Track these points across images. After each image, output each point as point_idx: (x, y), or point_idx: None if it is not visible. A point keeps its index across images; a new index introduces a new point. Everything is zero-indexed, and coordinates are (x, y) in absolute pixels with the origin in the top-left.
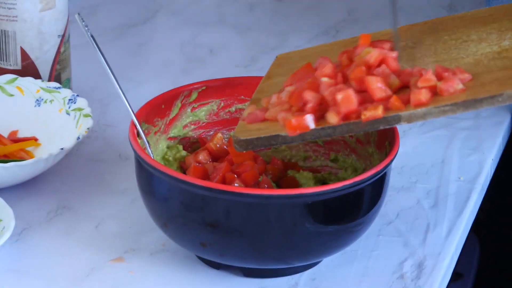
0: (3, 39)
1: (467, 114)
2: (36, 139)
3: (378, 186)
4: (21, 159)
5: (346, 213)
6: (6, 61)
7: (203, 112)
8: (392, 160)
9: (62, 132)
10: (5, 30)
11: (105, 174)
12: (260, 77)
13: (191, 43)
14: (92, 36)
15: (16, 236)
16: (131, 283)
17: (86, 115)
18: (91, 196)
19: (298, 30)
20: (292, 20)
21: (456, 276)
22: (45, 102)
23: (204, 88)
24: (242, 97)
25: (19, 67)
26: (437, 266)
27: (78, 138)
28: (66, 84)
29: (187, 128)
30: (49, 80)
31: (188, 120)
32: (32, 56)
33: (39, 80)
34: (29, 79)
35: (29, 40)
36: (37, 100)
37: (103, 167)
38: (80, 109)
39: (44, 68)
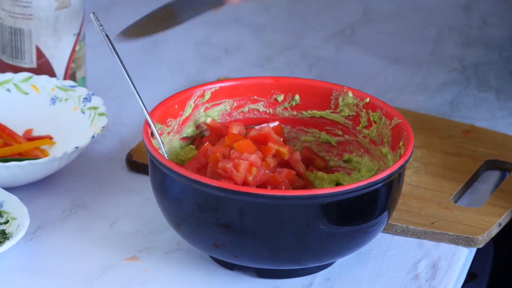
0: (19, 37)
1: (483, 115)
2: (50, 138)
3: (392, 187)
4: (36, 157)
5: (360, 214)
6: (22, 59)
7: (216, 113)
8: (406, 161)
9: (77, 130)
10: (20, 28)
11: (119, 173)
12: (273, 77)
13: (206, 43)
14: (107, 35)
15: (31, 234)
16: (145, 282)
17: (101, 114)
18: (106, 195)
19: (313, 30)
20: (308, 20)
21: (471, 276)
22: (60, 100)
23: (217, 88)
24: (255, 97)
25: (34, 65)
26: (451, 267)
27: (93, 136)
28: (81, 82)
29: (200, 128)
30: (64, 79)
31: (201, 120)
32: (47, 55)
33: (54, 79)
34: (44, 77)
35: (44, 39)
36: (52, 98)
37: (117, 165)
38: (95, 108)
39: (59, 66)
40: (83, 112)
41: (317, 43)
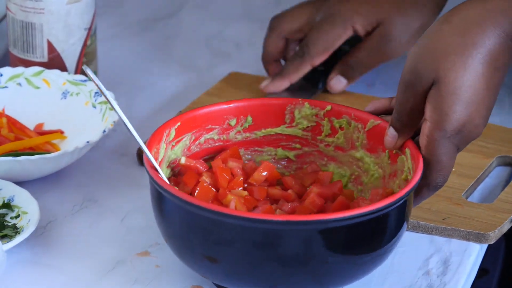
0: (30, 31)
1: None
2: (62, 132)
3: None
4: (47, 151)
5: (368, 240)
6: (33, 54)
7: (179, 149)
8: (413, 187)
9: (88, 125)
10: (32, 23)
11: (130, 167)
12: (225, 102)
13: (217, 37)
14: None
15: (42, 229)
16: (156, 277)
17: (112, 108)
18: (117, 189)
19: None
20: None
21: (482, 272)
22: (71, 95)
23: (179, 124)
24: (210, 126)
25: (45, 59)
26: (462, 263)
27: (104, 131)
28: None
29: (170, 168)
30: (75, 73)
31: (171, 158)
32: (59, 49)
33: (65, 73)
34: (56, 71)
35: (55, 33)
36: (63, 92)
37: (128, 160)
38: (106, 102)
39: (70, 60)
40: (94, 107)
41: None
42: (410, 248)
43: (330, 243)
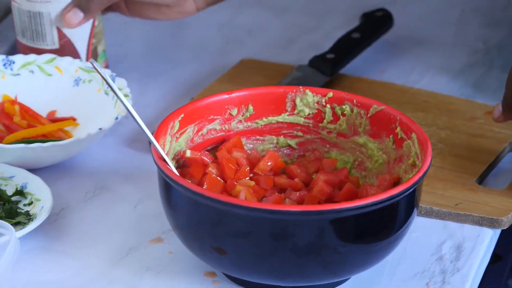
0: (39, 21)
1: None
2: (74, 119)
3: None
4: (60, 139)
5: (378, 229)
6: (43, 42)
7: (183, 141)
8: (424, 174)
9: (100, 112)
10: (40, 12)
11: (143, 154)
12: (226, 92)
13: (229, 24)
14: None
15: (55, 216)
16: (169, 263)
17: (124, 95)
18: (129, 176)
19: (336, 11)
20: (331, 1)
21: (495, 258)
22: (84, 82)
23: (182, 116)
24: (212, 116)
25: (56, 46)
26: (476, 248)
27: (117, 118)
28: (103, 55)
29: (175, 160)
30: (87, 55)
31: (176, 150)
32: (68, 34)
33: (77, 60)
34: (68, 59)
35: None
36: (76, 80)
37: (140, 147)
38: (118, 89)
39: (81, 44)
40: (106, 94)
41: (339, 24)
42: (423, 234)
43: (342, 231)
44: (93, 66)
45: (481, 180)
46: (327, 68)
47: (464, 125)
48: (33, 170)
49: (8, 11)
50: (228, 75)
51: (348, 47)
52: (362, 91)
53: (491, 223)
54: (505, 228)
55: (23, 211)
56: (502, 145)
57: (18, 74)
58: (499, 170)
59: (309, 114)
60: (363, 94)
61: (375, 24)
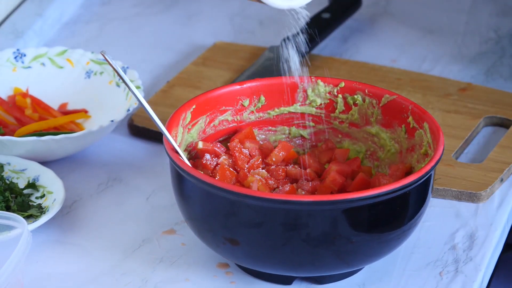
0: None
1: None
2: (86, 111)
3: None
4: (71, 131)
5: (390, 218)
6: None
7: (195, 132)
8: (437, 163)
9: (112, 104)
10: None
11: (155, 146)
12: (238, 83)
13: (241, 15)
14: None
15: (67, 208)
16: (182, 255)
17: (136, 87)
18: (141, 168)
19: None
20: None
21: (508, 247)
22: (95, 74)
23: (194, 107)
24: (224, 107)
25: None
26: (488, 237)
27: (128, 110)
28: None
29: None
30: None
31: (188, 142)
32: None
33: (88, 52)
34: (79, 51)
35: None
36: (87, 72)
37: (153, 138)
38: (130, 81)
39: None
40: (118, 86)
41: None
42: (436, 223)
43: (355, 221)
44: (104, 57)
45: (458, 155)
46: (301, 47)
47: (439, 101)
48: (45, 163)
49: None
50: (202, 58)
51: (319, 27)
52: (336, 71)
53: (470, 197)
54: (483, 202)
55: (35, 204)
56: (477, 121)
57: (29, 67)
58: (475, 146)
59: (321, 104)
60: (337, 74)
61: (343, 5)
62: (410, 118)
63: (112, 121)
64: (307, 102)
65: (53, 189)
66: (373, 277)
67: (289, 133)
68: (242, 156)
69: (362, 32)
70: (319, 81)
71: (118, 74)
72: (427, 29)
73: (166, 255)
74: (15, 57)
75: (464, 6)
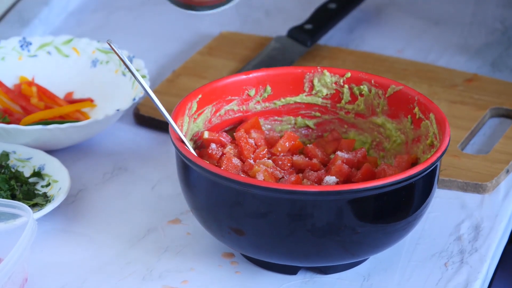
0: None
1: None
2: (91, 100)
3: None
4: (77, 120)
5: (396, 209)
6: None
7: (201, 122)
8: (442, 154)
9: (118, 93)
10: None
11: (161, 135)
12: (244, 73)
13: (247, 4)
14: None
15: (72, 197)
16: (188, 244)
17: (142, 76)
18: (147, 157)
19: None
20: None
21: None
22: (101, 63)
23: (200, 96)
24: (229, 97)
25: None
26: (494, 228)
27: (134, 99)
28: None
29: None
30: None
31: (194, 131)
32: None
33: (95, 41)
34: (85, 40)
35: None
36: (93, 61)
37: (159, 127)
38: (136, 70)
39: None
40: (124, 75)
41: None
42: (441, 214)
43: (361, 212)
44: (111, 47)
45: (463, 146)
46: (306, 39)
47: (444, 92)
48: (50, 152)
49: None
50: (208, 48)
51: (325, 17)
52: (341, 61)
53: (475, 189)
54: (489, 193)
55: (40, 192)
56: (483, 112)
57: (35, 56)
58: (481, 137)
59: (327, 94)
60: (343, 64)
61: None
62: (416, 109)
63: (117, 110)
64: (313, 92)
65: (59, 178)
66: (378, 268)
67: (295, 123)
68: (248, 146)
69: (368, 22)
70: (325, 71)
71: (124, 63)
72: (433, 19)
73: (171, 244)
74: (21, 46)
75: None
